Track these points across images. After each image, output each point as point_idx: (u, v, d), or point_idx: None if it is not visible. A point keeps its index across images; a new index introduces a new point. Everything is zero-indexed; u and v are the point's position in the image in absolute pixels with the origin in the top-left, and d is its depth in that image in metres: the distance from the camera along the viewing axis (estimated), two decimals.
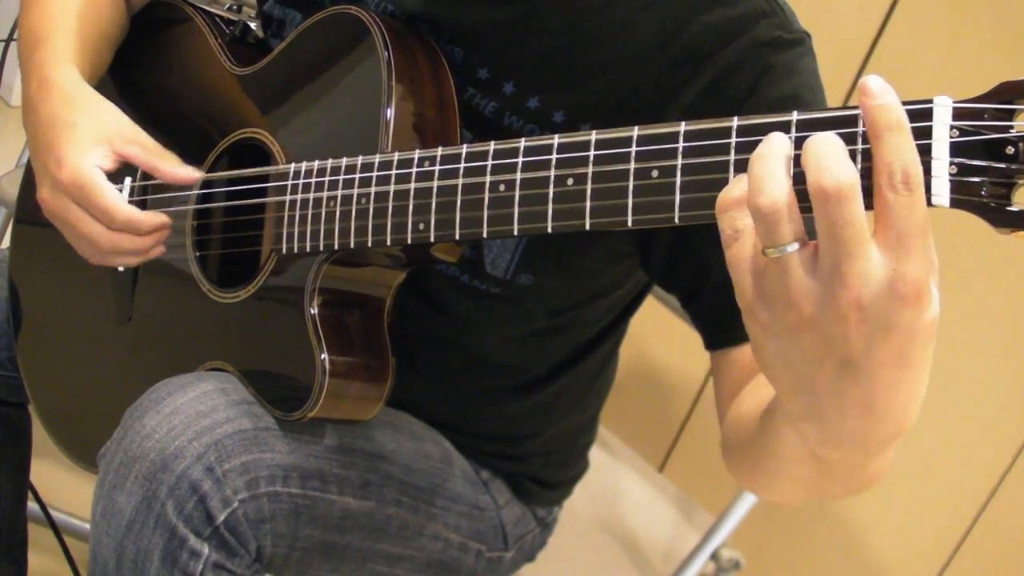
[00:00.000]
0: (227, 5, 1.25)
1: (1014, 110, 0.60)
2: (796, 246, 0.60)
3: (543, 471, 1.23)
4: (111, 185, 1.00)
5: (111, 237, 1.01)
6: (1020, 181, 0.60)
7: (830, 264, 0.59)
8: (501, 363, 1.14)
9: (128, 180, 1.07)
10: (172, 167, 1.03)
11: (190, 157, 1.07)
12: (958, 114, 0.60)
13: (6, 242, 1.34)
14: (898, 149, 0.58)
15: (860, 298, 0.59)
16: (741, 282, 0.63)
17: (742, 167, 0.65)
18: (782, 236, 0.60)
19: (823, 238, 0.59)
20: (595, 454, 1.32)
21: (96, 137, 1.01)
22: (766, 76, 0.90)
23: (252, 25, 1.16)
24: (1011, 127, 0.59)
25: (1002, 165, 0.59)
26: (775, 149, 0.61)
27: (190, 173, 1.03)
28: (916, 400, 0.65)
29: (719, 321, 0.94)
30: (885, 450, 0.69)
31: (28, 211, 1.28)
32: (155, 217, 1.02)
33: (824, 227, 0.59)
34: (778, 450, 0.76)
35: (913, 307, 0.59)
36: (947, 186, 0.60)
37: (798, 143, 0.63)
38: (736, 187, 0.63)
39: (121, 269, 1.11)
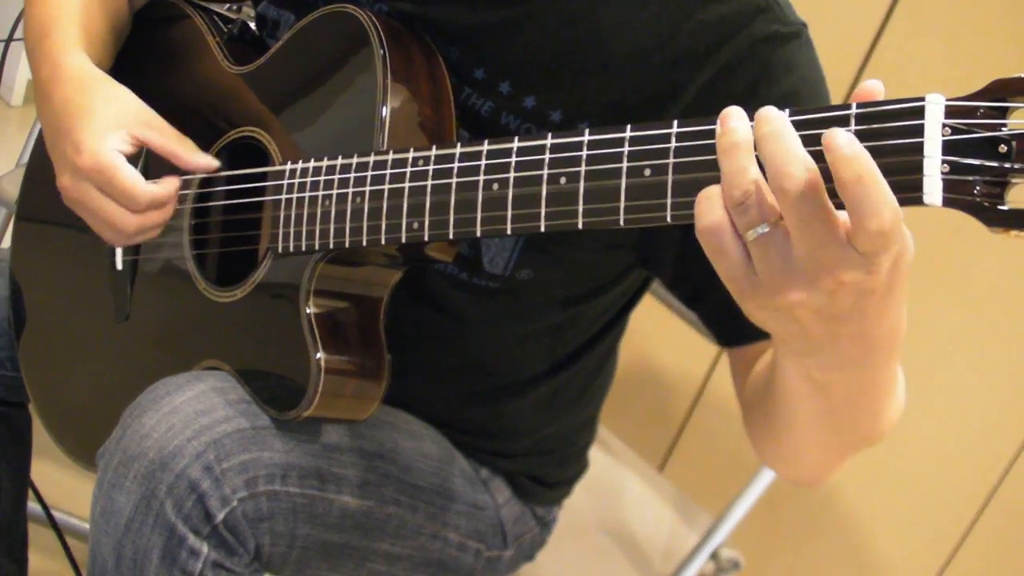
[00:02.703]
0: (227, 6, 1.25)
1: (1007, 108, 0.59)
2: (766, 227, 0.64)
3: (542, 470, 1.23)
4: (131, 167, 1.00)
5: (137, 219, 1.01)
6: (1013, 180, 0.60)
7: (806, 252, 0.63)
8: (500, 361, 1.14)
9: None
10: (191, 154, 1.03)
11: None
12: (951, 112, 0.60)
13: (6, 242, 1.34)
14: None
15: (842, 277, 0.63)
16: (728, 272, 0.67)
17: None
18: (752, 219, 0.64)
19: (793, 230, 0.63)
20: (595, 454, 1.32)
21: (113, 122, 1.01)
22: (765, 74, 0.90)
23: (251, 24, 1.16)
24: (1004, 125, 0.59)
25: (995, 164, 0.59)
26: (738, 140, 0.65)
27: (209, 161, 1.03)
28: (902, 315, 0.71)
29: (733, 319, 0.94)
30: (885, 367, 0.74)
31: (29, 209, 1.28)
32: (172, 184, 1.02)
33: (792, 221, 0.63)
34: (785, 389, 0.80)
35: (884, 274, 0.64)
36: (939, 185, 0.60)
37: None
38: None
39: (119, 267, 1.11)
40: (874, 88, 0.63)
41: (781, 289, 0.65)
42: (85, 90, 1.03)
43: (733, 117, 0.65)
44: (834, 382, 0.74)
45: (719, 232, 0.65)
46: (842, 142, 0.60)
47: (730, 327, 0.97)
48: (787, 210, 0.62)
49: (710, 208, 0.65)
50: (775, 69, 0.90)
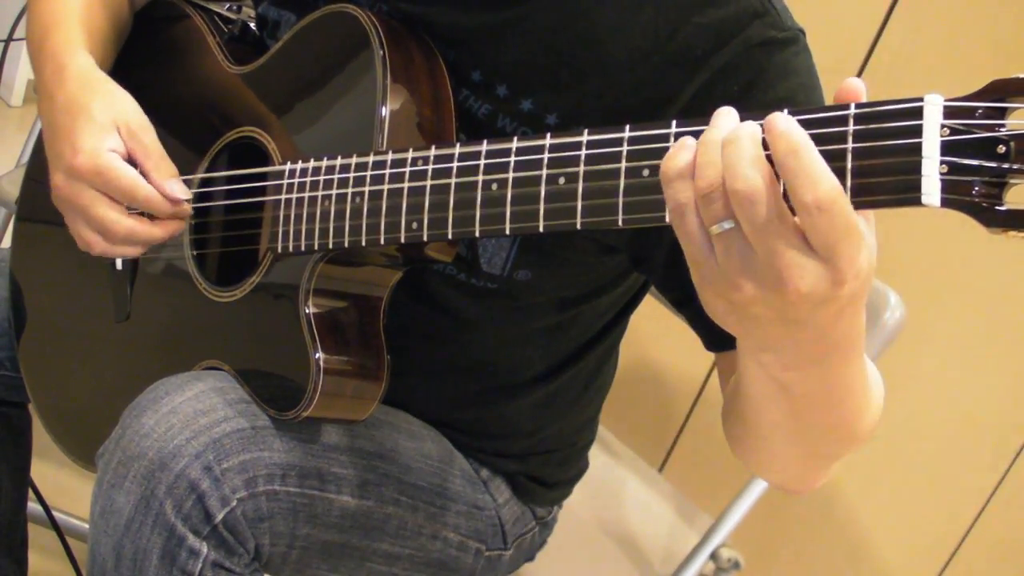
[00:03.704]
0: (227, 6, 1.25)
1: (1006, 108, 0.59)
2: (731, 223, 0.64)
3: (542, 470, 1.23)
4: (129, 165, 1.00)
5: (127, 223, 1.01)
6: (1012, 180, 0.59)
7: (763, 258, 0.63)
8: (500, 362, 1.14)
9: None
10: (162, 179, 1.01)
11: (188, 155, 1.07)
12: (949, 112, 0.60)
13: (6, 242, 1.34)
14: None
15: (799, 288, 0.63)
16: (692, 255, 0.67)
17: None
18: (717, 213, 0.64)
19: (748, 235, 0.63)
20: (595, 454, 1.32)
21: (110, 124, 1.01)
22: (760, 79, 0.90)
23: (251, 24, 1.16)
24: (1003, 125, 0.59)
25: (993, 164, 0.59)
26: (717, 136, 0.65)
27: (176, 192, 1.01)
28: (860, 315, 0.71)
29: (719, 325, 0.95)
30: (845, 365, 0.74)
31: (30, 208, 1.28)
32: (177, 188, 1.01)
33: (746, 226, 0.63)
34: (750, 393, 0.80)
35: (851, 282, 0.64)
36: (938, 185, 0.60)
37: None
38: (679, 156, 0.66)
39: (119, 267, 1.12)
40: (858, 87, 0.64)
41: (739, 285, 0.65)
42: (87, 91, 1.03)
43: (723, 116, 0.66)
44: (795, 381, 0.74)
45: (683, 211, 0.66)
46: (778, 119, 0.61)
47: (716, 332, 0.97)
48: (740, 213, 0.63)
49: (682, 188, 0.66)
50: (770, 74, 0.90)
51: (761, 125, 0.64)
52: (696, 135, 0.68)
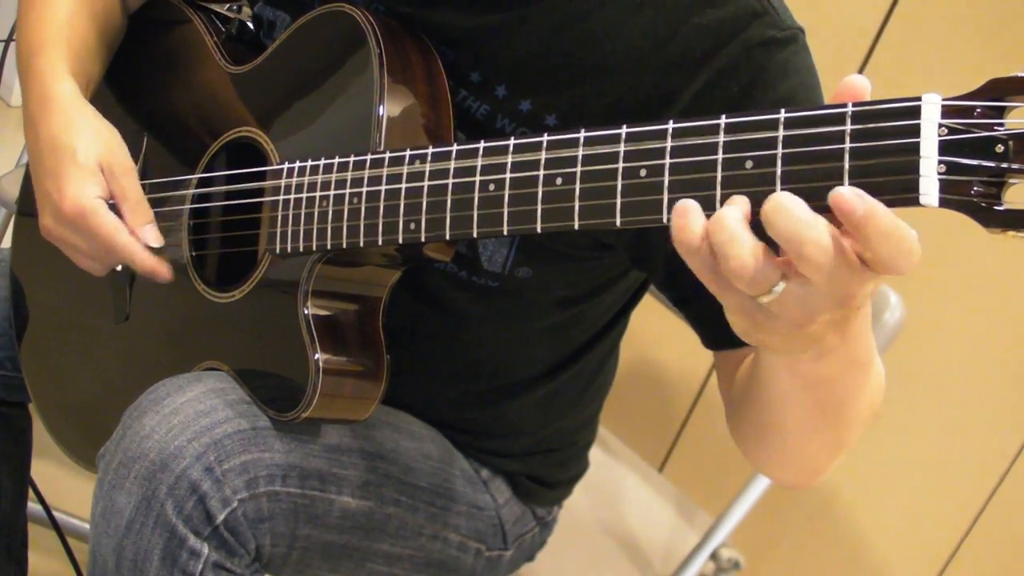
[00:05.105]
0: (227, 5, 1.25)
1: (1004, 107, 0.59)
2: (782, 285, 0.64)
3: (543, 470, 1.23)
4: (112, 214, 1.01)
5: (104, 271, 1.05)
6: (1011, 180, 0.59)
7: (831, 289, 0.63)
8: (501, 362, 1.14)
9: None
10: (138, 224, 1.03)
11: (186, 156, 1.07)
12: (947, 112, 0.60)
13: (7, 242, 1.34)
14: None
15: (858, 296, 0.64)
16: (740, 314, 0.68)
17: (729, 166, 0.66)
18: (766, 284, 0.64)
19: (820, 284, 0.63)
20: (595, 454, 1.32)
21: (94, 166, 1.02)
22: (760, 79, 0.89)
23: (249, 24, 1.16)
24: (1001, 124, 0.59)
25: (992, 164, 0.59)
26: (726, 210, 0.64)
27: (150, 239, 1.03)
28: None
29: (721, 324, 0.94)
30: (860, 337, 0.74)
31: (31, 206, 1.28)
32: (152, 261, 1.03)
33: (821, 278, 0.62)
34: (774, 395, 0.81)
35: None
36: (936, 186, 0.60)
37: (786, 142, 0.64)
38: (691, 221, 0.66)
39: (119, 268, 1.12)
40: (861, 84, 0.64)
41: (806, 323, 0.65)
42: (70, 127, 1.03)
43: (687, 214, 0.65)
44: (821, 368, 0.74)
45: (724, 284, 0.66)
46: (855, 202, 0.60)
47: (718, 331, 0.97)
48: (813, 270, 0.62)
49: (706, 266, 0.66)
50: (770, 74, 0.90)
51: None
52: (694, 132, 0.68)
